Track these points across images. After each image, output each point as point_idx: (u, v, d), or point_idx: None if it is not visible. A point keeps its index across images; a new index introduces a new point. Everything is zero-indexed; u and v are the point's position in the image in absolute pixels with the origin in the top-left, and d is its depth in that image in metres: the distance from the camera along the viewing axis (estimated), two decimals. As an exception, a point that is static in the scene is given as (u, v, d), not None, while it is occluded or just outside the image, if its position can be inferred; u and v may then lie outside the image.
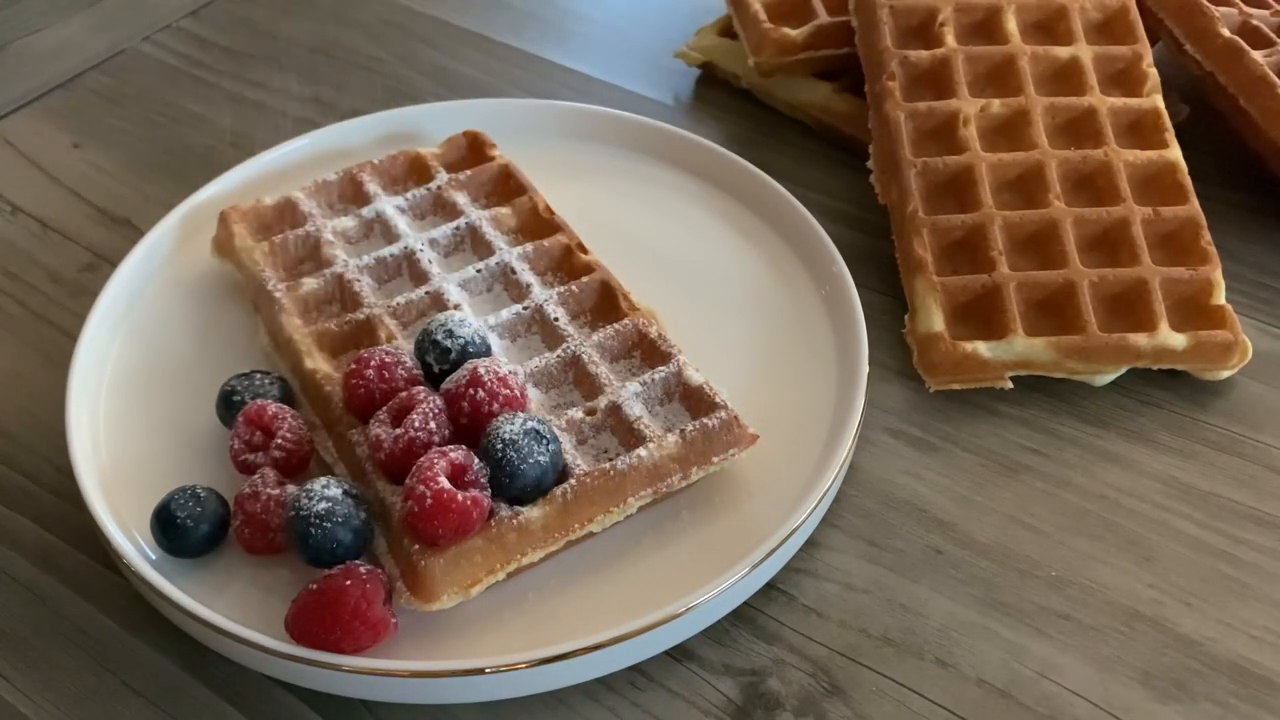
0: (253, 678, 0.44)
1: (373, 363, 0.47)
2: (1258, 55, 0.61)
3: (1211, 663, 0.44)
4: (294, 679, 0.43)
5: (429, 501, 0.41)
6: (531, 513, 0.44)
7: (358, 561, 0.42)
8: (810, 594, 0.46)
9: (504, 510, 0.43)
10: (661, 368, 0.50)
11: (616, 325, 0.52)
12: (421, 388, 0.46)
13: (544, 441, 0.44)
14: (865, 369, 0.51)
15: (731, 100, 0.72)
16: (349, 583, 0.41)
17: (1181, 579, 0.47)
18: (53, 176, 0.67)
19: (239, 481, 0.46)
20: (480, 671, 0.41)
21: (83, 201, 0.65)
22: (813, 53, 0.67)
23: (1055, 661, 0.44)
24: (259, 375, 0.49)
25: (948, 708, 0.43)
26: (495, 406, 0.45)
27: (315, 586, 0.42)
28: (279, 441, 0.46)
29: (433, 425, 0.44)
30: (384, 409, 0.45)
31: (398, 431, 0.44)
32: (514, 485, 0.43)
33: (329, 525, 0.42)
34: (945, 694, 0.43)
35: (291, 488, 0.44)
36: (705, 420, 0.47)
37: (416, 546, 0.42)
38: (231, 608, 0.43)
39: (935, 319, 0.54)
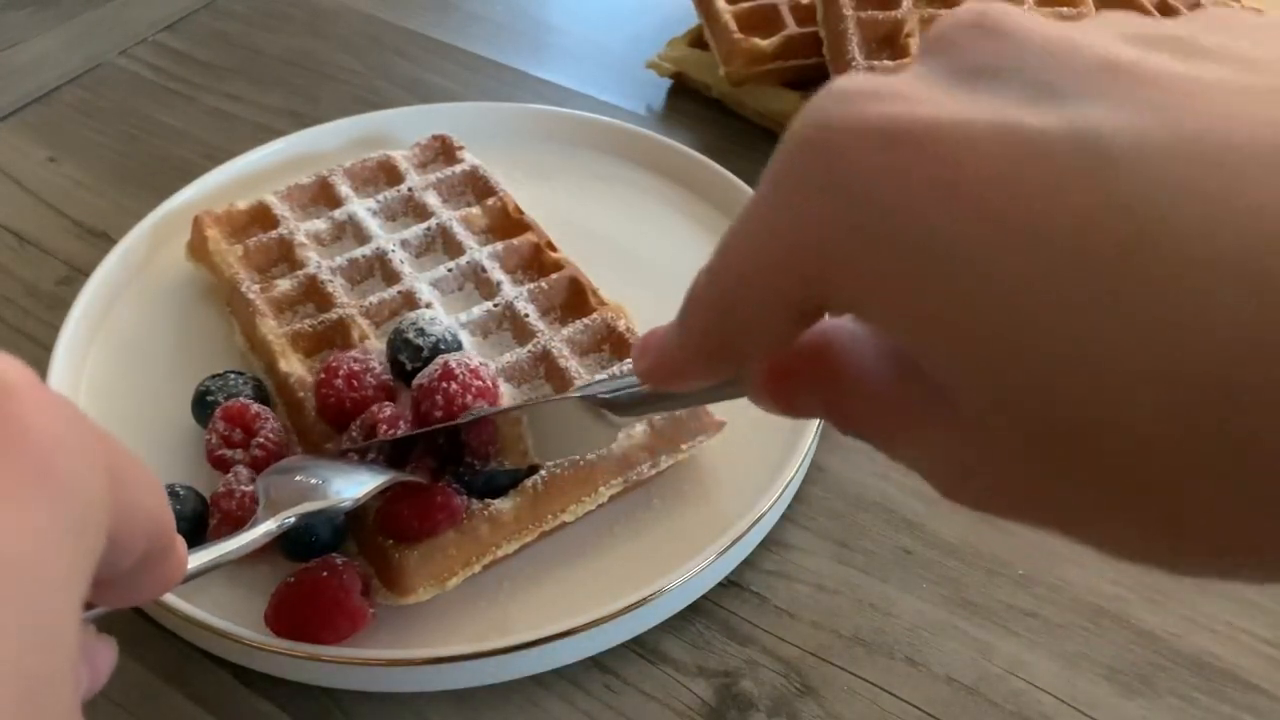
0: (231, 687, 0.44)
1: (341, 371, 0.47)
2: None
3: (1175, 657, 0.45)
4: (274, 670, 0.43)
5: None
6: (503, 504, 0.44)
7: (334, 554, 0.43)
8: (782, 595, 0.47)
9: (476, 503, 0.44)
10: (630, 360, 0.50)
11: (586, 320, 0.52)
12: (387, 403, 0.47)
13: None
14: None
15: (703, 110, 0.73)
16: (326, 574, 0.42)
17: (1145, 576, 0.48)
18: (29, 190, 0.67)
19: (216, 480, 0.46)
20: (458, 658, 0.42)
21: (59, 215, 0.65)
22: (782, 63, 0.68)
23: (1023, 658, 0.45)
24: (233, 375, 0.50)
25: (918, 706, 0.43)
26: (469, 399, 0.45)
27: (293, 579, 0.42)
28: (260, 441, 0.47)
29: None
30: (356, 424, 0.46)
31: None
32: (485, 477, 0.44)
33: (307, 519, 0.43)
34: (915, 692, 0.44)
35: (257, 481, 0.45)
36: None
37: (391, 541, 0.43)
38: (213, 604, 0.44)
39: (903, 324, 0.54)
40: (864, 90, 0.20)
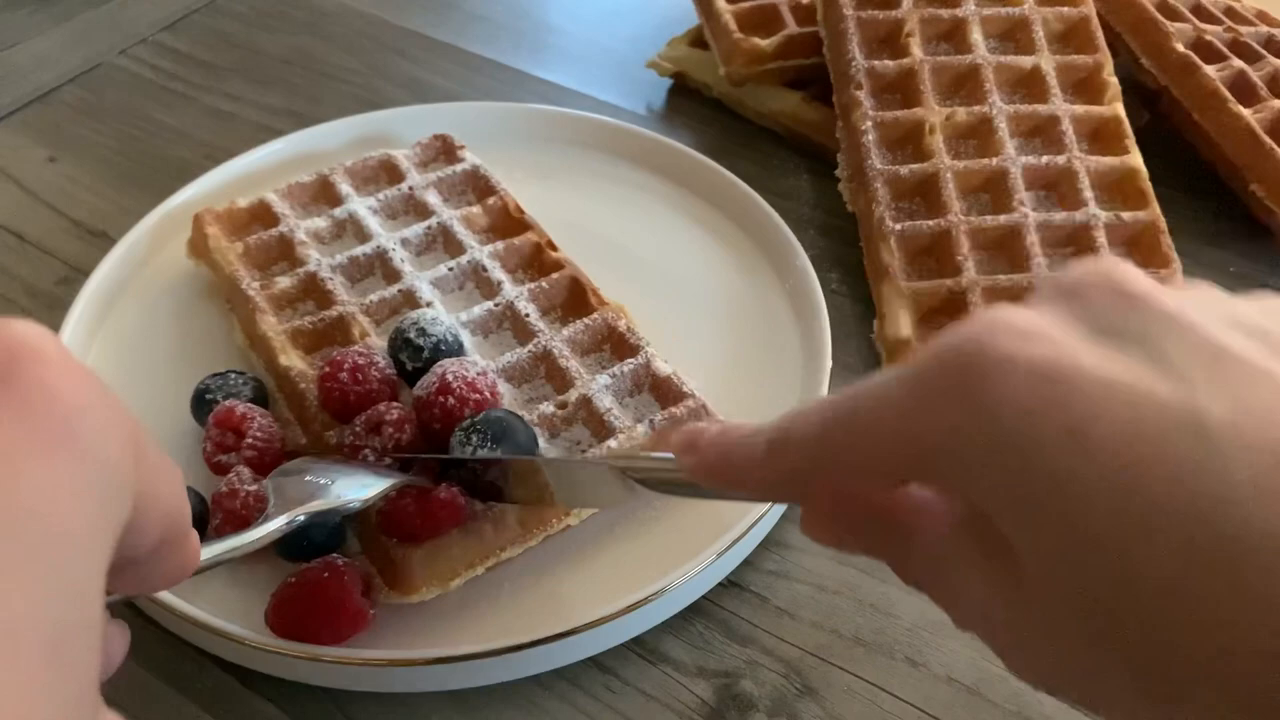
0: (230, 687, 0.44)
1: (346, 365, 0.47)
2: (1210, 70, 0.63)
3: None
4: (274, 671, 0.43)
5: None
6: (507, 506, 0.44)
7: (335, 555, 0.43)
8: (783, 596, 0.47)
9: (479, 505, 0.44)
10: (630, 360, 0.50)
11: (586, 320, 0.52)
12: (395, 404, 0.46)
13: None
14: (829, 359, 0.52)
15: (703, 109, 0.73)
16: (327, 575, 0.42)
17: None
18: (29, 190, 0.67)
19: (215, 481, 0.46)
20: (459, 658, 0.42)
21: (59, 215, 0.65)
22: (782, 62, 0.68)
23: (1023, 659, 0.45)
24: (233, 375, 0.50)
25: (918, 706, 0.43)
26: (467, 412, 0.45)
27: (294, 580, 0.42)
28: (250, 441, 0.47)
29: (399, 442, 0.45)
30: (359, 420, 0.46)
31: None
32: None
33: (307, 521, 0.43)
34: (915, 692, 0.44)
35: (267, 480, 0.45)
36: (674, 409, 0.48)
37: (394, 540, 0.43)
38: (212, 604, 0.43)
39: (903, 324, 0.54)
40: (1016, 326, 0.23)
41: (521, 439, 0.44)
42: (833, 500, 0.29)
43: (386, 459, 0.45)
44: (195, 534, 0.29)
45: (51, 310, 0.59)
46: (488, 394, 0.46)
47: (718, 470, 0.30)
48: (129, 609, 0.46)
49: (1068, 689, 0.24)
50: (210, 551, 0.35)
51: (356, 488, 0.41)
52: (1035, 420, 0.22)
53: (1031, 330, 0.23)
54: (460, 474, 0.44)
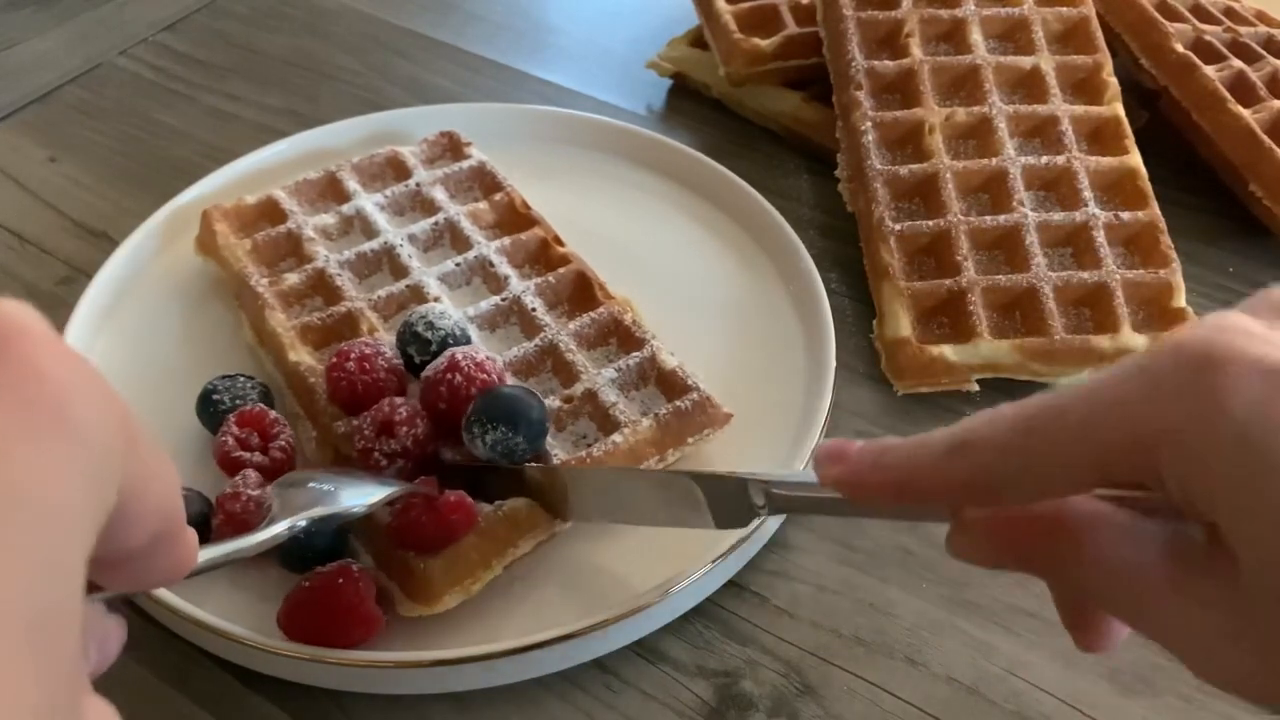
0: (232, 688, 0.44)
1: (353, 355, 0.47)
2: (1209, 70, 0.63)
3: (1175, 657, 0.45)
4: (279, 672, 0.43)
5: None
6: (516, 502, 0.45)
7: (347, 559, 0.43)
8: (782, 595, 0.47)
9: (487, 506, 0.44)
10: (636, 353, 0.51)
11: (593, 314, 0.52)
12: (401, 400, 0.47)
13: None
14: (833, 359, 0.52)
15: (703, 109, 0.73)
16: (341, 580, 0.42)
17: (1144, 576, 0.48)
18: (29, 190, 0.67)
19: (219, 484, 0.46)
20: (462, 660, 0.42)
21: (59, 215, 0.65)
22: (782, 63, 0.68)
23: (1023, 658, 0.45)
24: (242, 378, 0.50)
25: (918, 705, 0.43)
26: (474, 391, 0.45)
27: (308, 584, 0.42)
28: (281, 444, 0.47)
29: (417, 438, 0.45)
30: (365, 420, 0.46)
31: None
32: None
33: (309, 528, 0.43)
34: (915, 692, 0.44)
35: (271, 488, 0.45)
36: (679, 402, 0.48)
37: (412, 553, 0.43)
38: (217, 607, 0.43)
39: (902, 324, 0.54)
40: (1246, 329, 0.24)
41: (535, 416, 0.45)
42: (996, 515, 0.29)
43: (400, 461, 0.45)
44: (192, 532, 0.29)
45: (52, 310, 0.57)
46: (494, 376, 0.46)
47: (870, 479, 0.29)
48: (130, 607, 0.46)
49: (1265, 693, 0.25)
50: (212, 553, 0.35)
51: (360, 495, 0.42)
52: (1270, 412, 0.23)
53: (1259, 334, 0.24)
54: (462, 476, 0.44)
